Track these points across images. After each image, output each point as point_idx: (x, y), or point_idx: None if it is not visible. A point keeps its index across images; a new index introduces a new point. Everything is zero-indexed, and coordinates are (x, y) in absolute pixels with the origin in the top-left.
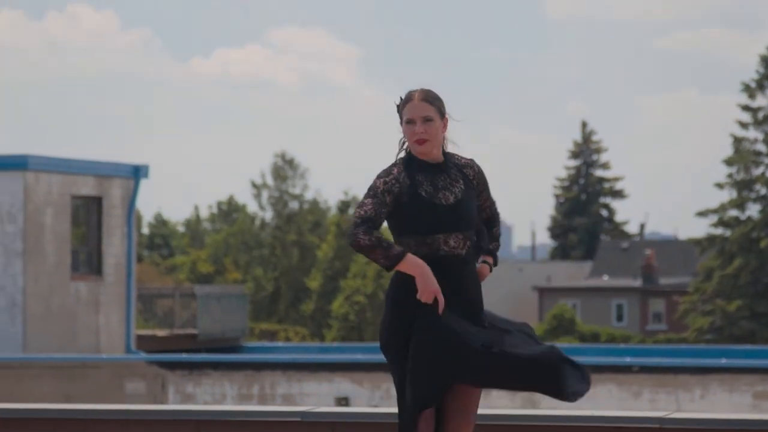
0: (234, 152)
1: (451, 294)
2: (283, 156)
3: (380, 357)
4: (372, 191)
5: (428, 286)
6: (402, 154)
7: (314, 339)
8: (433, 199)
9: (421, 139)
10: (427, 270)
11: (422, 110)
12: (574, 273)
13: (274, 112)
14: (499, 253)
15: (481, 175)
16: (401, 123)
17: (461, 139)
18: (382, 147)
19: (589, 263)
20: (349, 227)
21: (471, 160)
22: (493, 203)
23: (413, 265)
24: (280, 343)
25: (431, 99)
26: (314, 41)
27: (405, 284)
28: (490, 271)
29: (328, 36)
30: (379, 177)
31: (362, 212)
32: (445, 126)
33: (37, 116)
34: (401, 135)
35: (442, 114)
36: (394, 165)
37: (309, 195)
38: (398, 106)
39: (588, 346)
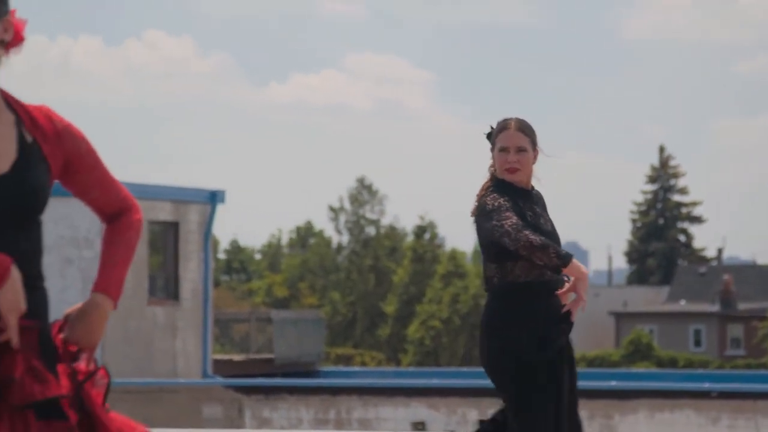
0: (310, 177)
1: (563, 322)
2: (361, 181)
3: (456, 382)
4: (501, 207)
5: (583, 292)
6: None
7: (390, 364)
8: (537, 224)
9: (513, 168)
10: (585, 275)
11: (517, 140)
12: (651, 298)
13: (350, 137)
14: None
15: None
16: (492, 149)
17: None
18: (458, 173)
19: (667, 288)
20: (502, 236)
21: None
22: None
23: (578, 266)
24: (356, 368)
25: (526, 130)
26: (389, 67)
27: (514, 312)
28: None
29: (403, 62)
30: (493, 198)
31: (513, 220)
32: (535, 158)
33: (114, 141)
34: (491, 161)
35: (534, 145)
36: (492, 189)
37: (386, 220)
38: (490, 134)
39: (666, 371)
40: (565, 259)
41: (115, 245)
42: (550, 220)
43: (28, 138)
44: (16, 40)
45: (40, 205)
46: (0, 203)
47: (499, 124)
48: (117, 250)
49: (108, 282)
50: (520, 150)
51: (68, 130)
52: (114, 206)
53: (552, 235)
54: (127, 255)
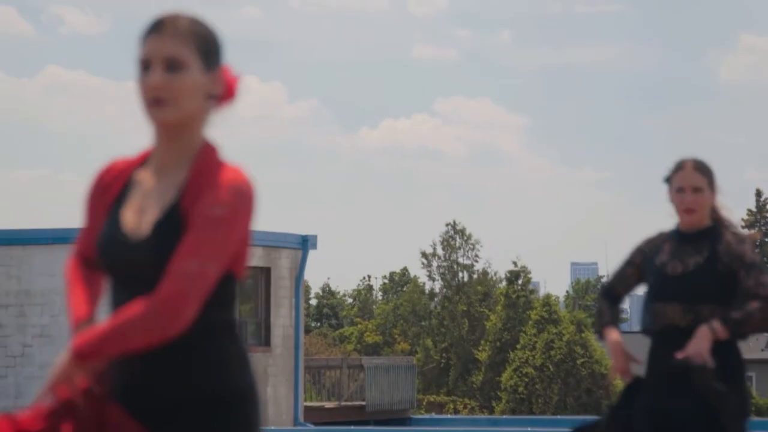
0: (402, 222)
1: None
2: (453, 226)
3: (549, 430)
4: (623, 259)
5: (614, 365)
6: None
7: (483, 411)
8: (663, 268)
9: (689, 209)
10: (619, 349)
11: (693, 180)
12: (749, 345)
13: (442, 182)
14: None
15: (735, 251)
16: (670, 191)
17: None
18: (552, 217)
19: (765, 336)
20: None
21: (743, 236)
22: (758, 284)
23: (607, 341)
24: (448, 416)
25: (703, 169)
26: (481, 111)
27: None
28: (713, 337)
29: (495, 106)
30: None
31: (606, 280)
32: (713, 198)
33: None
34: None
35: (712, 186)
36: (659, 233)
37: (478, 265)
38: (668, 175)
39: (765, 420)
40: (597, 329)
41: (115, 317)
42: (701, 262)
43: (181, 201)
44: (228, 95)
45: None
46: (136, 266)
47: (675, 164)
48: (111, 321)
49: (81, 337)
50: (697, 190)
51: (212, 189)
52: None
53: (680, 278)
54: (109, 329)
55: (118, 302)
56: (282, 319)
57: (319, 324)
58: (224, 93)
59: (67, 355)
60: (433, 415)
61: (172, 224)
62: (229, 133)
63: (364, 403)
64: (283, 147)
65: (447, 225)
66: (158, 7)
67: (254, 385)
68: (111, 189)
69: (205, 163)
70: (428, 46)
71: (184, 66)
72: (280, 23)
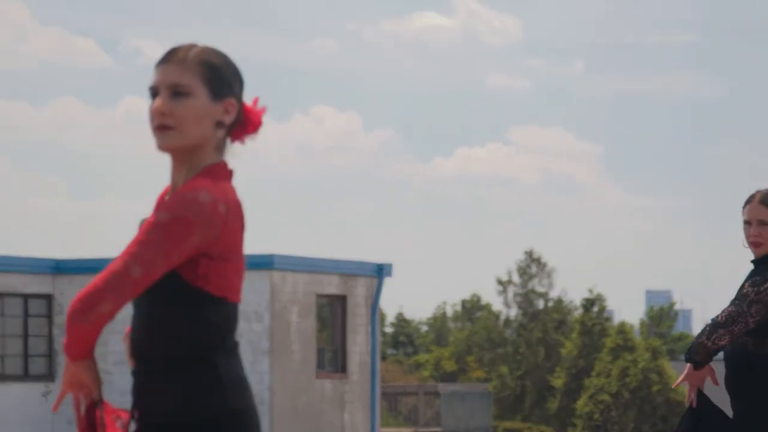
0: (476, 250)
1: None
2: (530, 254)
3: None
4: (739, 297)
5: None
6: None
7: None
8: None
9: (755, 242)
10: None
11: (759, 213)
12: None
13: (517, 210)
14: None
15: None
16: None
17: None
18: (626, 246)
19: None
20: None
21: None
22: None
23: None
24: None
25: None
26: (554, 139)
27: None
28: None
29: (567, 134)
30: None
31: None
32: None
33: (282, 216)
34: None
35: None
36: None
37: (554, 293)
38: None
39: None
40: (687, 356)
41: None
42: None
43: None
44: (252, 127)
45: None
46: None
47: (748, 196)
48: None
49: None
50: (762, 223)
51: (170, 197)
52: None
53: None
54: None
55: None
56: (358, 347)
57: (394, 351)
58: (246, 123)
59: None
60: None
61: None
62: (305, 162)
63: (440, 429)
64: (358, 176)
65: (525, 254)
66: (231, 41)
67: (248, 410)
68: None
69: (192, 181)
70: (502, 76)
71: (189, 93)
72: (354, 54)
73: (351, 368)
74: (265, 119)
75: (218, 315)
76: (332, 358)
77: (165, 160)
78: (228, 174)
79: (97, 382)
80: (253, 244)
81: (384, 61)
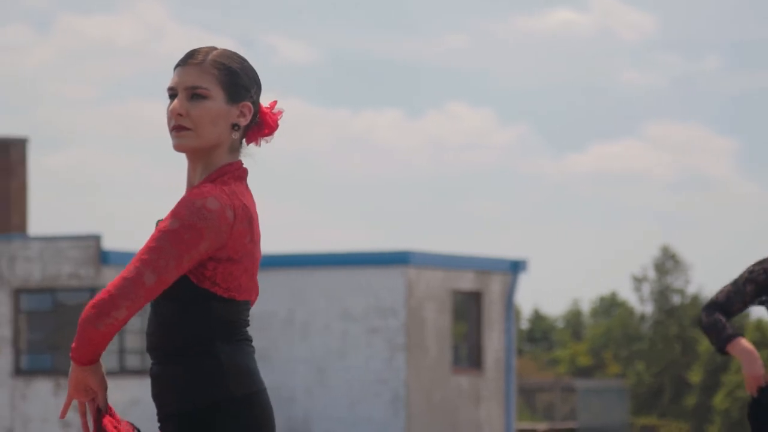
0: (611, 246)
1: None
2: (665, 250)
3: None
4: (735, 279)
5: (750, 372)
6: None
7: None
8: None
9: None
10: (754, 356)
11: None
12: None
13: (652, 206)
14: None
15: None
16: None
17: None
18: (763, 240)
19: None
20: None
21: None
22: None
23: (741, 349)
24: None
25: None
26: (689, 135)
27: None
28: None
29: (703, 129)
30: (752, 264)
31: (715, 297)
32: None
33: (417, 213)
34: None
35: None
36: None
37: (691, 289)
38: None
39: None
40: (721, 342)
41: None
42: None
43: None
44: (268, 129)
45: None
46: None
47: None
48: None
49: None
50: None
51: (177, 204)
52: None
53: None
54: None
55: None
56: (494, 342)
57: (530, 347)
58: (264, 127)
59: None
60: None
61: None
62: (439, 159)
63: (576, 425)
64: (492, 172)
65: (661, 250)
66: (365, 40)
67: (256, 398)
68: None
69: (206, 180)
70: (636, 71)
71: (205, 96)
72: (488, 51)
73: (487, 364)
74: (398, 116)
75: (225, 312)
76: (468, 354)
77: (300, 155)
78: (240, 174)
79: (104, 386)
80: (388, 240)
81: (517, 57)
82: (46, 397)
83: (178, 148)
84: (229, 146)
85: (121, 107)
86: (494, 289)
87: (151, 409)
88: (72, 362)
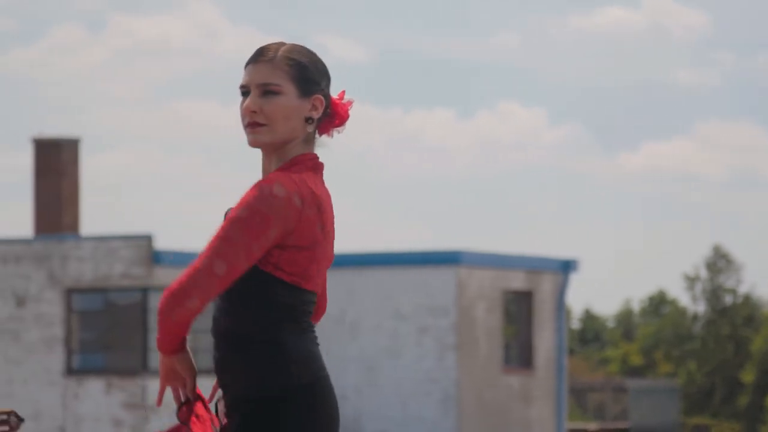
0: (662, 246)
1: None
2: (717, 249)
3: None
4: None
5: None
6: None
7: None
8: None
9: None
10: None
11: None
12: None
13: (704, 206)
14: None
15: None
16: None
17: None
18: None
19: None
20: None
21: None
22: None
23: None
24: None
25: None
26: (742, 134)
27: None
28: None
29: (756, 128)
30: None
31: None
32: None
33: (469, 212)
34: None
35: None
36: None
37: (743, 288)
38: None
39: None
40: None
41: None
42: None
43: None
44: (339, 120)
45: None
46: None
47: None
48: None
49: None
50: None
51: (248, 191)
52: None
53: None
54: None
55: None
56: (545, 342)
57: (581, 347)
58: (335, 118)
59: None
60: None
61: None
62: (491, 158)
63: (628, 425)
64: (544, 171)
65: (713, 249)
66: (418, 39)
67: (319, 384)
68: None
69: (278, 170)
70: (689, 69)
71: (278, 92)
72: (539, 49)
73: (537, 364)
74: (447, 116)
75: (289, 299)
76: (519, 354)
77: (352, 155)
78: (314, 165)
79: (193, 372)
80: (439, 240)
81: (569, 55)
82: (98, 397)
83: (253, 144)
84: (302, 139)
85: (173, 107)
86: (545, 288)
87: None
88: (159, 353)
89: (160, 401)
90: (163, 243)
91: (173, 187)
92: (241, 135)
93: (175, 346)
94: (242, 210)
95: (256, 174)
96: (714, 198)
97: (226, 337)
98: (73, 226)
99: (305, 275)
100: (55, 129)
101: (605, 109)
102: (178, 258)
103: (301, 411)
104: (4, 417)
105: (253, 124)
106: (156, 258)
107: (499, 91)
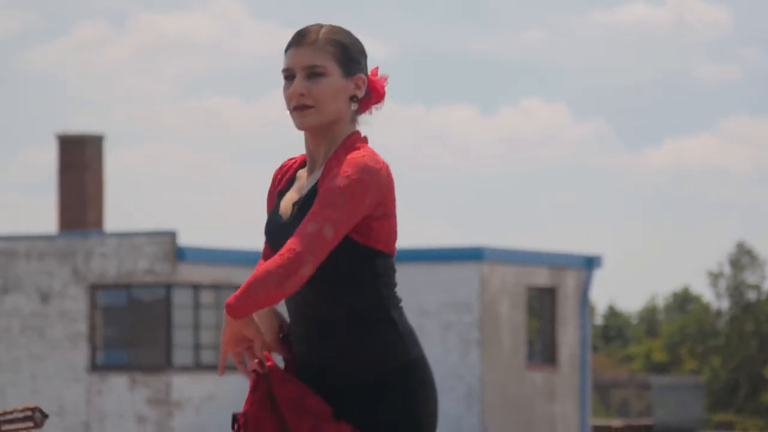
0: (686, 242)
1: None
2: (741, 246)
3: None
4: None
5: None
6: None
7: None
8: None
9: None
10: None
11: None
12: None
13: (728, 202)
14: None
15: None
16: None
17: None
18: None
19: None
20: None
21: None
22: None
23: None
24: None
25: None
26: (766, 130)
27: None
28: None
29: None
30: None
31: None
32: None
33: (492, 209)
34: None
35: None
36: None
37: (766, 285)
38: None
39: None
40: None
41: (254, 271)
42: None
43: (318, 183)
44: (376, 97)
45: None
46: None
47: None
48: (252, 275)
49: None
50: None
51: (339, 165)
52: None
53: None
54: (248, 282)
55: None
56: (568, 338)
57: (604, 343)
58: (372, 95)
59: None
60: None
61: (308, 202)
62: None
63: (651, 421)
64: (567, 167)
65: (736, 245)
66: (445, 33)
67: (423, 357)
68: (279, 184)
69: (345, 149)
70: (712, 65)
71: (323, 73)
72: (563, 45)
73: (561, 360)
74: (471, 112)
75: (387, 270)
76: (542, 350)
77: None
78: (366, 140)
79: (260, 333)
80: (463, 236)
81: (593, 51)
82: (122, 393)
83: (302, 126)
84: (349, 118)
85: (197, 104)
86: (569, 284)
87: (227, 404)
88: (227, 317)
89: (222, 370)
90: (186, 239)
91: (197, 184)
92: (263, 131)
93: (253, 311)
94: (343, 179)
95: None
96: (737, 194)
97: (333, 321)
98: (97, 222)
99: (393, 244)
100: (79, 126)
101: (629, 105)
102: (200, 254)
103: (418, 384)
104: (29, 413)
105: (300, 107)
106: (180, 254)
107: (523, 87)
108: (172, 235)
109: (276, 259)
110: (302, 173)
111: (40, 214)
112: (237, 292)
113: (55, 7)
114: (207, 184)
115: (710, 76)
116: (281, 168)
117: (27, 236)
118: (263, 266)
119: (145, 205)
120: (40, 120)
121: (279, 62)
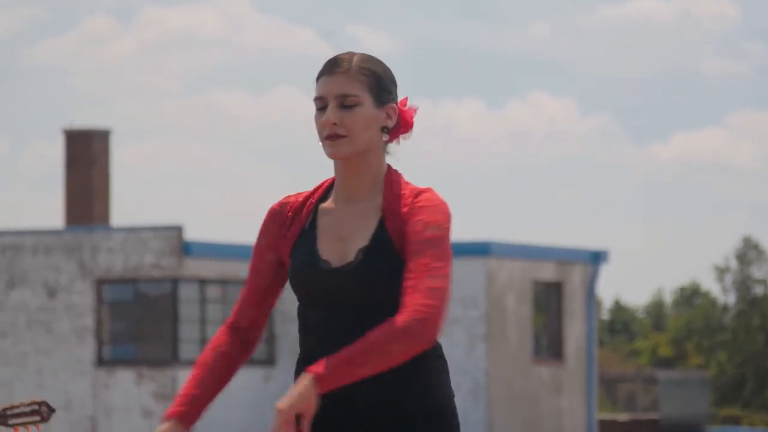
0: (693, 237)
1: None
2: (747, 240)
3: None
4: None
5: None
6: None
7: None
8: None
9: None
10: None
11: None
12: None
13: (735, 196)
14: None
15: None
16: None
17: None
18: None
19: None
20: None
21: None
22: None
23: None
24: (743, 429)
25: None
26: None
27: None
28: None
29: None
30: None
31: None
32: None
33: (498, 203)
34: None
35: None
36: None
37: None
38: None
39: None
40: None
41: (358, 341)
42: None
43: (385, 225)
44: (405, 127)
45: (380, 294)
46: (343, 292)
47: None
48: (353, 345)
49: (320, 364)
50: None
51: (420, 211)
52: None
53: None
54: (356, 351)
55: (318, 328)
56: (575, 333)
57: (611, 338)
58: (401, 124)
59: (307, 380)
60: (728, 429)
61: (380, 248)
62: (521, 149)
63: (657, 416)
64: (574, 162)
65: (743, 240)
66: (452, 27)
67: (453, 395)
68: (293, 223)
69: (398, 187)
70: (719, 60)
71: (356, 103)
72: (570, 40)
73: (567, 354)
74: (477, 106)
75: None
76: (548, 345)
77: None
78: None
79: (314, 403)
80: (469, 230)
81: (599, 46)
82: (129, 387)
83: (333, 155)
84: (381, 148)
85: (203, 98)
86: (575, 279)
87: (233, 399)
88: (313, 383)
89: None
90: (193, 234)
91: (203, 178)
92: (271, 125)
93: (359, 377)
94: (439, 229)
95: (286, 165)
96: (744, 188)
97: None
98: (104, 216)
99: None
100: (85, 120)
101: (635, 100)
102: (206, 249)
103: (456, 417)
104: (35, 407)
105: (333, 136)
106: (186, 249)
107: (530, 81)
108: (178, 230)
109: (410, 318)
110: (328, 207)
111: (47, 209)
112: (336, 362)
113: (62, 2)
114: (213, 179)
115: (717, 71)
116: (284, 205)
117: (33, 231)
118: (387, 328)
119: (151, 200)
120: (47, 114)
121: (285, 56)
